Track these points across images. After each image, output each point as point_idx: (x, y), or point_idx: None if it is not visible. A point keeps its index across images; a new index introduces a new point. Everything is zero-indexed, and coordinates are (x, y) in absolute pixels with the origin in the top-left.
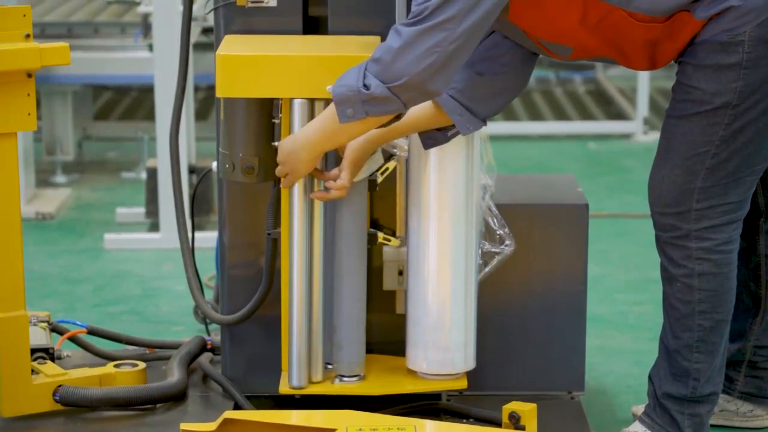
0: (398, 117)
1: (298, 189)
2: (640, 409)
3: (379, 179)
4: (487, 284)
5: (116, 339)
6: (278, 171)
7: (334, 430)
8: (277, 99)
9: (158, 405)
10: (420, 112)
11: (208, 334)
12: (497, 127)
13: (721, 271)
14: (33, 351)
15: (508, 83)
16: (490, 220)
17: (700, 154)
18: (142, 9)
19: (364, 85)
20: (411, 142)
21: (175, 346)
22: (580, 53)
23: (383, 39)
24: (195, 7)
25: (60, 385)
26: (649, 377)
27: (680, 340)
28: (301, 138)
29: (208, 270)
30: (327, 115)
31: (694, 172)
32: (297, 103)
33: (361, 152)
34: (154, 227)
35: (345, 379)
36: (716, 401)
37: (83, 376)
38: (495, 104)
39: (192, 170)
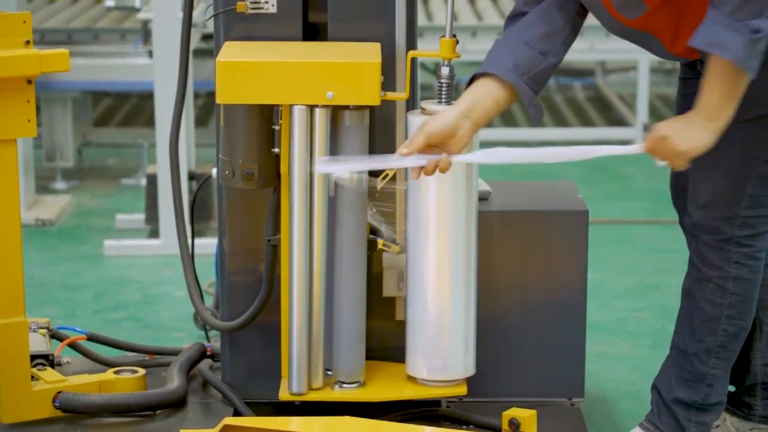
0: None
1: (297, 195)
2: None
3: (379, 185)
4: (487, 290)
5: (116, 345)
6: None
7: None
8: (277, 105)
9: (158, 411)
10: (502, 99)
11: (208, 340)
12: (496, 133)
13: (754, 277)
14: (33, 357)
15: (559, 61)
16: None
17: (753, 160)
18: (142, 15)
19: (754, 31)
20: None
21: (174, 353)
22: (640, 22)
23: (383, 46)
24: (195, 14)
25: (59, 392)
26: (654, 386)
27: (702, 344)
28: (703, 131)
29: (207, 276)
30: (724, 83)
31: (745, 177)
32: (297, 109)
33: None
34: (154, 234)
35: (345, 385)
36: (721, 412)
37: (83, 382)
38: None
39: (192, 177)
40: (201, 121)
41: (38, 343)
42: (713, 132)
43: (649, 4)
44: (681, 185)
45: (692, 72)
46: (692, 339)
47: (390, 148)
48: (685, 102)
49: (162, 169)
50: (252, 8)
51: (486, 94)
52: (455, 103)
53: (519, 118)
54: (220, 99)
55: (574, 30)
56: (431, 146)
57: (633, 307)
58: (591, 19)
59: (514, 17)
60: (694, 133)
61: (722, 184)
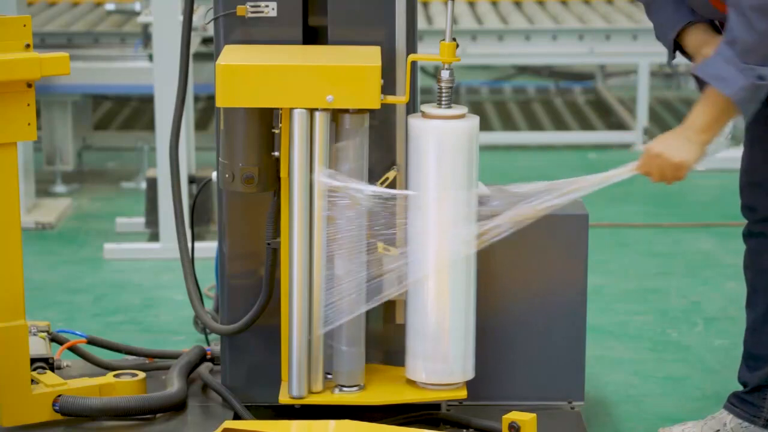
0: None
1: (297, 198)
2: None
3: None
4: (487, 294)
5: (116, 349)
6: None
7: None
8: (277, 109)
9: (158, 415)
10: None
11: (208, 343)
12: (497, 137)
13: None
14: (33, 361)
15: None
16: None
17: None
18: (142, 19)
19: (759, 77)
20: (409, 153)
21: (174, 356)
22: None
23: (383, 49)
24: (195, 17)
25: (59, 395)
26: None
27: None
28: (692, 143)
29: (207, 280)
30: (716, 112)
31: None
32: (297, 113)
33: None
34: (154, 237)
35: (345, 388)
36: None
37: (83, 386)
38: None
39: (192, 180)
40: (201, 124)
41: (38, 346)
42: (701, 144)
43: None
44: (754, 183)
45: None
46: None
47: (390, 152)
48: None
49: (162, 172)
50: (252, 12)
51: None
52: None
53: (519, 121)
54: (220, 102)
55: None
56: None
57: (633, 310)
58: (591, 23)
59: None
60: (685, 144)
61: None
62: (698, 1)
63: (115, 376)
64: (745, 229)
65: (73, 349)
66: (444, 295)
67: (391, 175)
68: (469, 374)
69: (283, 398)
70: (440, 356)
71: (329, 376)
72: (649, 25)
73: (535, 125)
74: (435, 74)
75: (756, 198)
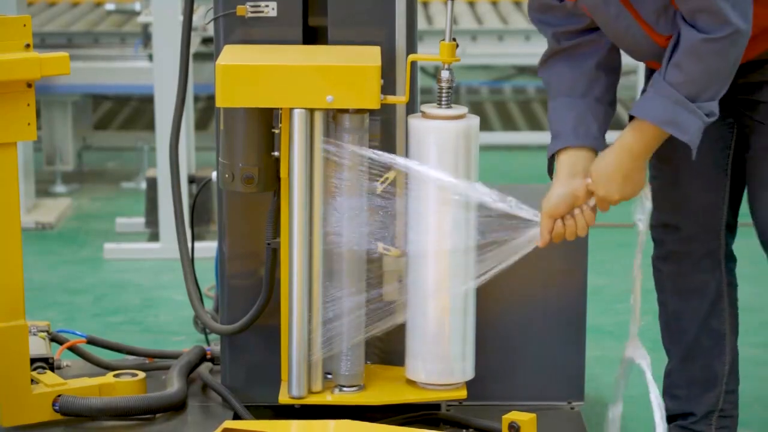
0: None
1: (297, 198)
2: None
3: (379, 189)
4: (487, 293)
5: (116, 349)
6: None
7: None
8: (277, 109)
9: (158, 415)
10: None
11: (208, 343)
12: (497, 137)
13: None
14: (33, 360)
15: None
16: None
17: None
18: (142, 19)
19: (708, 115)
20: (409, 153)
21: (174, 356)
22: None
23: (383, 49)
24: (195, 17)
25: (59, 395)
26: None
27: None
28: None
29: (207, 280)
30: (652, 141)
31: None
32: (297, 113)
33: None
34: (154, 237)
35: (344, 388)
36: None
37: (83, 385)
38: None
39: (192, 180)
40: (201, 124)
41: (38, 346)
42: (643, 169)
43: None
44: (677, 201)
45: None
46: None
47: (389, 152)
48: None
49: (162, 172)
50: (252, 12)
51: (578, 156)
52: (555, 175)
53: (518, 120)
54: (219, 102)
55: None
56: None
57: None
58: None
59: (555, 54)
60: (624, 184)
61: None
62: (636, 41)
63: (115, 376)
64: (661, 251)
65: (73, 349)
66: (444, 294)
67: (390, 175)
68: (469, 374)
69: (283, 398)
70: (440, 356)
71: (329, 376)
72: None
73: (535, 125)
74: (435, 74)
75: (680, 216)
